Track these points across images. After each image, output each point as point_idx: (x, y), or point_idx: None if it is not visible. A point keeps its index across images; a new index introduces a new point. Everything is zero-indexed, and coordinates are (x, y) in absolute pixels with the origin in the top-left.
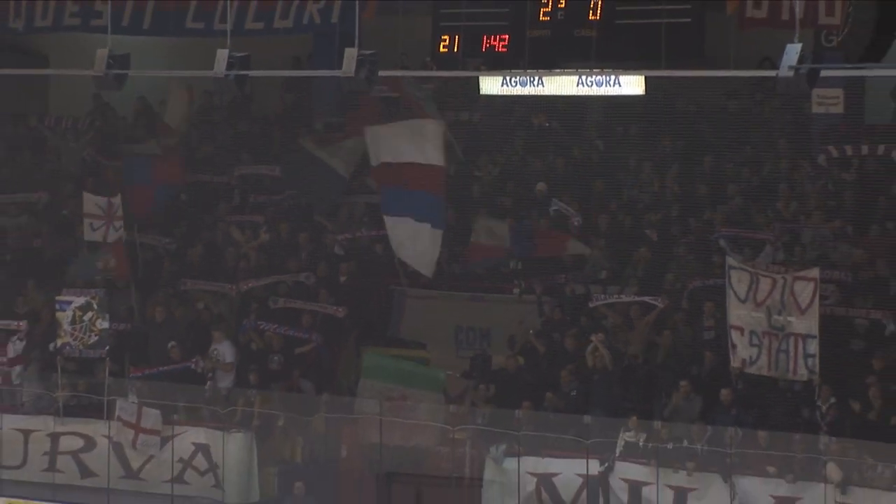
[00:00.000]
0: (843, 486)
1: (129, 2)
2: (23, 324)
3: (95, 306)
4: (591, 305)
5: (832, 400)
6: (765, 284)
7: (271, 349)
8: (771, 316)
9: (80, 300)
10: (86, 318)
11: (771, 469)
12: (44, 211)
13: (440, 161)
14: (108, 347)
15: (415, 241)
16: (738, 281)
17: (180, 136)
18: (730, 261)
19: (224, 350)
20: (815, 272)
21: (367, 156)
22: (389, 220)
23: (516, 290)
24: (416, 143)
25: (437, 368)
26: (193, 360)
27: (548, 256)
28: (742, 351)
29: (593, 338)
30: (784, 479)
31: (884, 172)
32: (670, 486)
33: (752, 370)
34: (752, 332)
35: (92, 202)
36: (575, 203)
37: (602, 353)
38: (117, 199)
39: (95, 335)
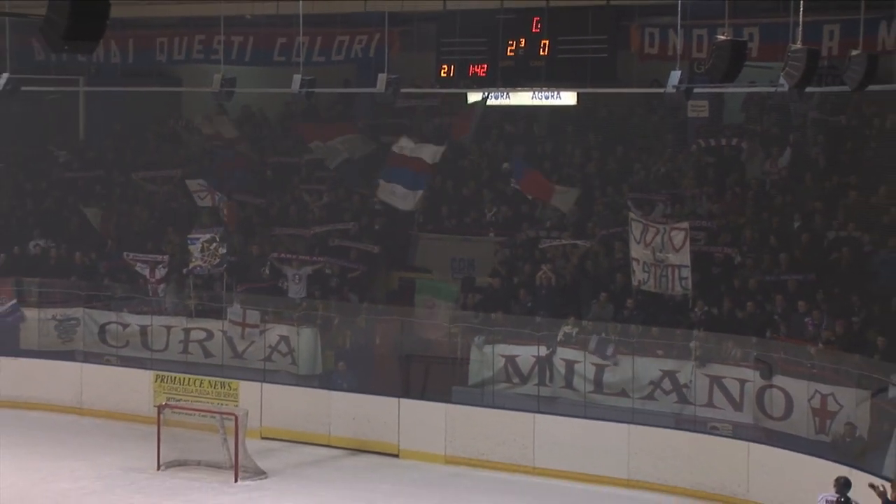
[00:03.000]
0: (706, 362)
1: (235, 41)
2: (165, 257)
3: (217, 238)
4: (540, 246)
5: (703, 307)
6: (651, 232)
7: (330, 272)
8: (655, 253)
9: (206, 235)
10: (211, 247)
11: (659, 352)
12: (177, 182)
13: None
14: (226, 265)
15: (393, 195)
16: (636, 229)
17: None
18: (631, 215)
19: (298, 274)
20: (685, 224)
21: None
22: (383, 183)
23: (491, 234)
24: (421, 153)
25: (452, 286)
26: (280, 281)
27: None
28: (639, 275)
29: (543, 266)
30: (668, 358)
31: (735, 156)
32: (593, 364)
33: (645, 287)
34: (644, 263)
35: (195, 183)
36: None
37: (549, 276)
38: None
39: (218, 259)
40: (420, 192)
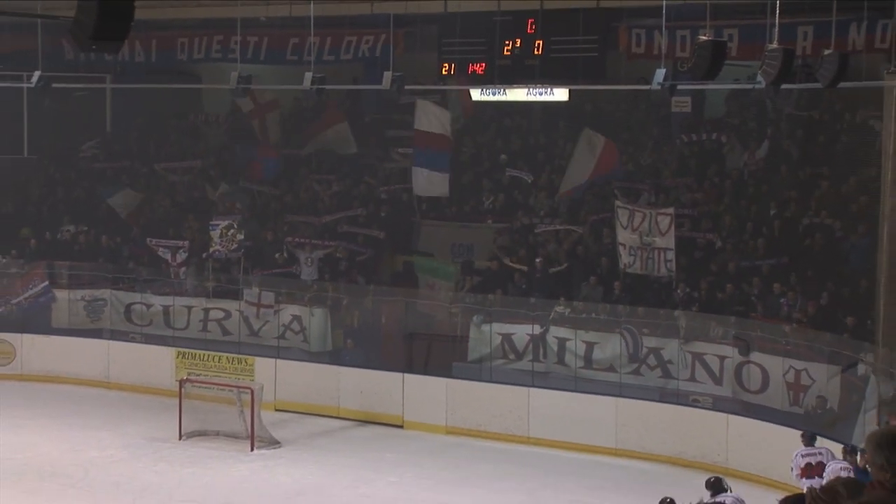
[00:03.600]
0: (689, 339)
1: (251, 41)
2: (185, 242)
3: (235, 225)
4: (535, 231)
5: (685, 289)
6: (638, 217)
7: (339, 256)
8: (642, 237)
9: (225, 222)
10: (229, 232)
11: (645, 330)
12: (197, 172)
13: (447, 131)
14: (243, 250)
15: (428, 182)
16: (622, 216)
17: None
18: (617, 203)
19: (311, 257)
20: (670, 210)
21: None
22: (415, 170)
23: (489, 221)
24: (435, 119)
25: (451, 266)
26: (294, 265)
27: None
28: (625, 258)
29: (540, 252)
30: (653, 336)
31: (716, 147)
32: (584, 341)
33: (632, 270)
34: (630, 247)
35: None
36: (526, 167)
37: (542, 261)
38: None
39: (235, 244)
40: (447, 176)
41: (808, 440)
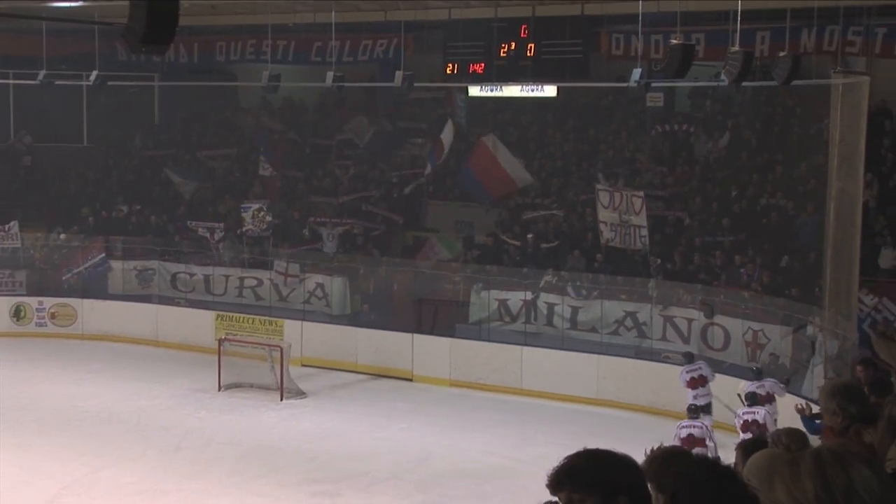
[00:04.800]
0: (660, 304)
1: (280, 44)
2: (221, 224)
3: (265, 208)
4: (528, 215)
5: (658, 261)
6: (617, 198)
7: (357, 232)
8: (621, 215)
9: (256, 204)
10: (259, 214)
11: (623, 296)
12: (233, 159)
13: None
14: (271, 231)
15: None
16: (603, 197)
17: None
18: (599, 185)
19: (331, 233)
20: (641, 193)
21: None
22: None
23: (488, 202)
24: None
25: (455, 242)
26: (317, 241)
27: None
28: (607, 234)
29: (532, 229)
30: (630, 301)
31: (685, 137)
32: (570, 306)
33: (612, 244)
34: (611, 224)
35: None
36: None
37: (533, 237)
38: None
39: (265, 224)
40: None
41: (757, 375)
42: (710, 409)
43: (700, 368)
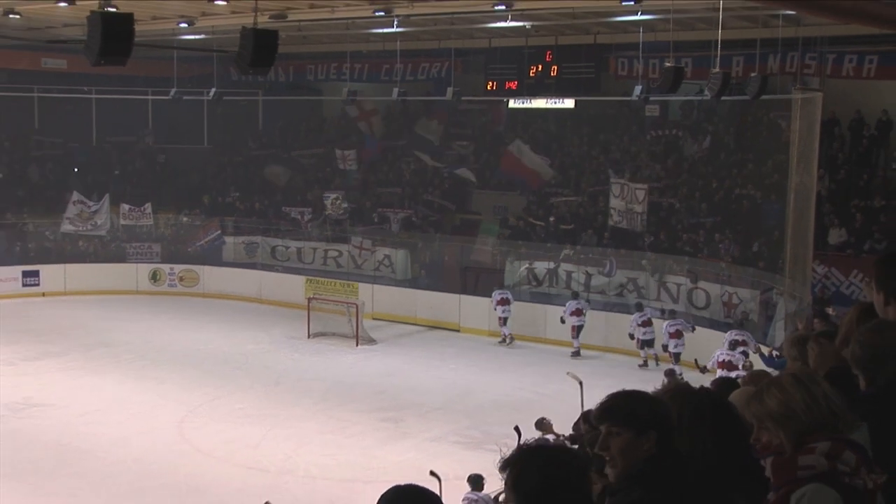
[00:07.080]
0: (660, 275)
1: (356, 67)
2: (309, 209)
3: (341, 197)
4: (551, 201)
5: (652, 238)
6: (625, 189)
7: (417, 216)
8: (627, 204)
9: (334, 194)
10: (337, 202)
11: (626, 267)
12: (320, 157)
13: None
14: (348, 215)
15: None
16: (615, 188)
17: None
18: (612, 179)
19: (396, 217)
20: (645, 186)
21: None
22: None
23: (518, 191)
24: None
25: (494, 225)
26: (384, 223)
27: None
28: (616, 218)
29: (553, 212)
30: (632, 270)
31: (675, 140)
32: (584, 272)
33: (619, 226)
34: (619, 210)
35: (339, 153)
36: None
37: (555, 220)
38: (350, 153)
39: (342, 210)
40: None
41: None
42: (652, 344)
43: (647, 314)
